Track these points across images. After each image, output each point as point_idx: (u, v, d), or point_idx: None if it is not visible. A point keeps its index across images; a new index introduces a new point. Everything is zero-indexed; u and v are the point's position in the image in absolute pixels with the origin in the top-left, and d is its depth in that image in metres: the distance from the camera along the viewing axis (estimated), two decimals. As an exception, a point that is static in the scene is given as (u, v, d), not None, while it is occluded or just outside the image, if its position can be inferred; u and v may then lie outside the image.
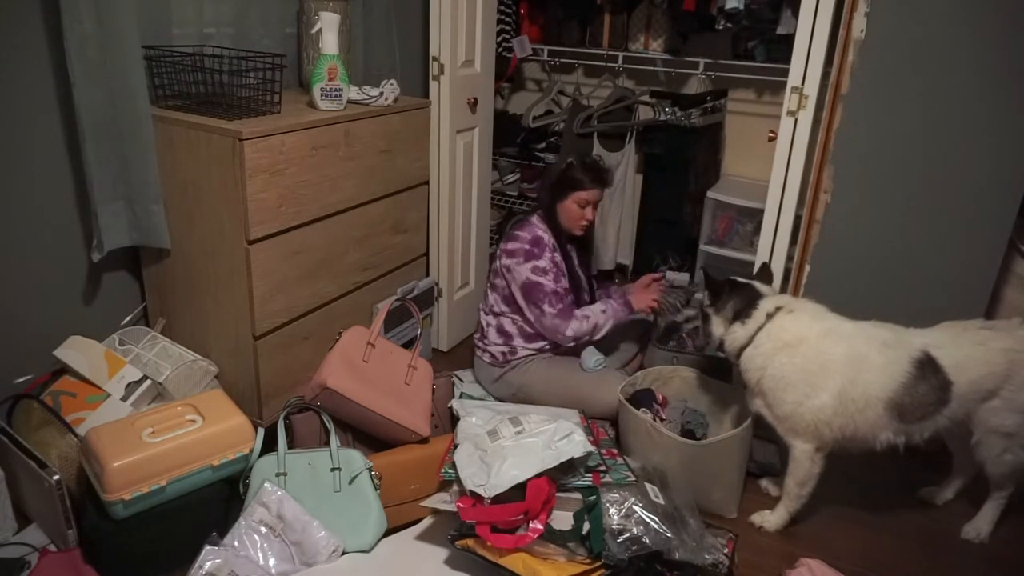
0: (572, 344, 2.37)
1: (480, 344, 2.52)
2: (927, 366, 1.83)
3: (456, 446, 1.91)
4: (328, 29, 2.08)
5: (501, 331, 2.45)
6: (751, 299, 1.99)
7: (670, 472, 1.94)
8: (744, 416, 2.08)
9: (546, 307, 2.29)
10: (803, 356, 1.88)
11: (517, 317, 2.42)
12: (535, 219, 2.41)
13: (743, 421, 2.06)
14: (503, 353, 2.45)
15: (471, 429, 1.96)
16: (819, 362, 1.87)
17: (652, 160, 3.39)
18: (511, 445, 1.84)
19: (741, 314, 1.98)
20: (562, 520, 1.75)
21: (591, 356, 2.42)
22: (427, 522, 1.95)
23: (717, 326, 2.03)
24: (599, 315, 2.34)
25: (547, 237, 2.36)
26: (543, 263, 2.30)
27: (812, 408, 1.87)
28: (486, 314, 2.50)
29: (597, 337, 2.36)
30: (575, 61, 3.60)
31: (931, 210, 2.18)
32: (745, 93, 3.32)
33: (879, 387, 1.84)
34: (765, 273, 2.16)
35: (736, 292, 2.02)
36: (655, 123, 3.28)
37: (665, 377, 2.37)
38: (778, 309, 1.95)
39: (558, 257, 2.37)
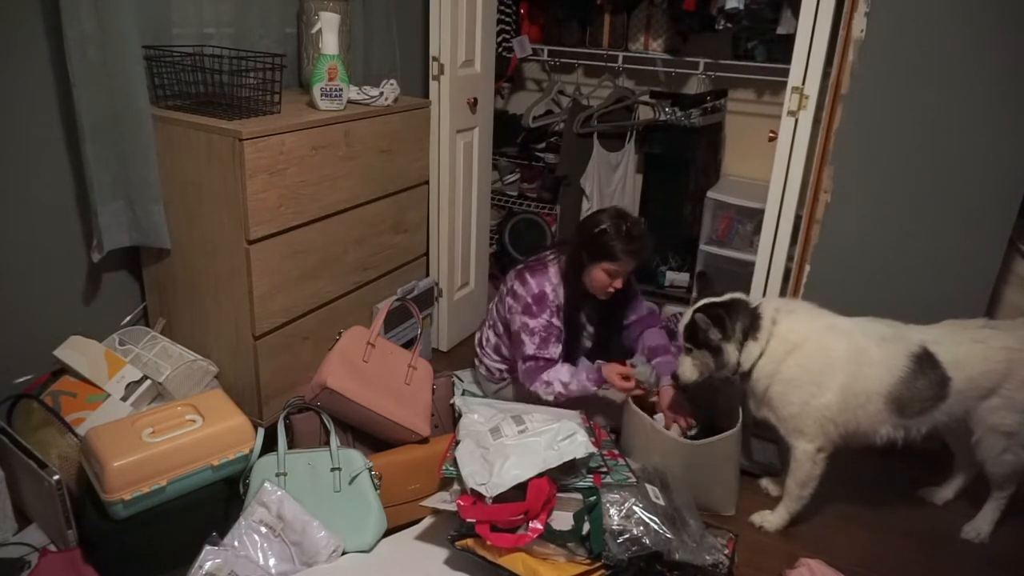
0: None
1: (478, 351, 2.50)
2: (925, 361, 1.84)
3: (458, 443, 1.91)
4: (328, 29, 2.08)
5: (498, 351, 2.42)
6: (753, 313, 1.94)
7: (669, 471, 1.94)
8: (732, 411, 2.09)
9: (519, 363, 2.25)
10: (807, 355, 1.88)
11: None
12: (552, 270, 2.23)
13: (731, 416, 2.06)
14: (499, 370, 2.44)
15: (473, 426, 1.96)
16: (823, 359, 1.87)
17: (652, 160, 3.39)
18: (513, 444, 1.84)
19: (749, 331, 1.92)
20: (562, 520, 1.74)
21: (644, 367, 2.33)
22: (427, 522, 1.95)
23: (732, 352, 1.93)
24: (559, 385, 2.17)
25: (552, 296, 2.19)
26: (533, 324, 2.18)
27: (818, 407, 1.87)
28: (489, 327, 2.45)
29: (562, 399, 2.18)
30: (575, 61, 3.60)
31: (931, 210, 2.18)
32: (745, 93, 3.32)
33: (878, 381, 1.85)
34: (706, 281, 2.13)
35: (734, 312, 1.93)
36: (655, 123, 3.27)
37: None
38: (777, 312, 1.95)
39: (556, 321, 2.21)
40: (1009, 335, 1.87)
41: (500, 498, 1.73)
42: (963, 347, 1.85)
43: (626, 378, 2.15)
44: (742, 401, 2.09)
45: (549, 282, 2.21)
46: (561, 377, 2.19)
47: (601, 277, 2.16)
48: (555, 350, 2.20)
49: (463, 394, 2.29)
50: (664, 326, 2.55)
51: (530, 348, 2.19)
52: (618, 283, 2.18)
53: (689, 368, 2.01)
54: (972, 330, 1.90)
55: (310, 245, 2.12)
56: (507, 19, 3.34)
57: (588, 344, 2.43)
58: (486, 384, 2.50)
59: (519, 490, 1.73)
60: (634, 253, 2.13)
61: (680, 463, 1.98)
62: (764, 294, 2.39)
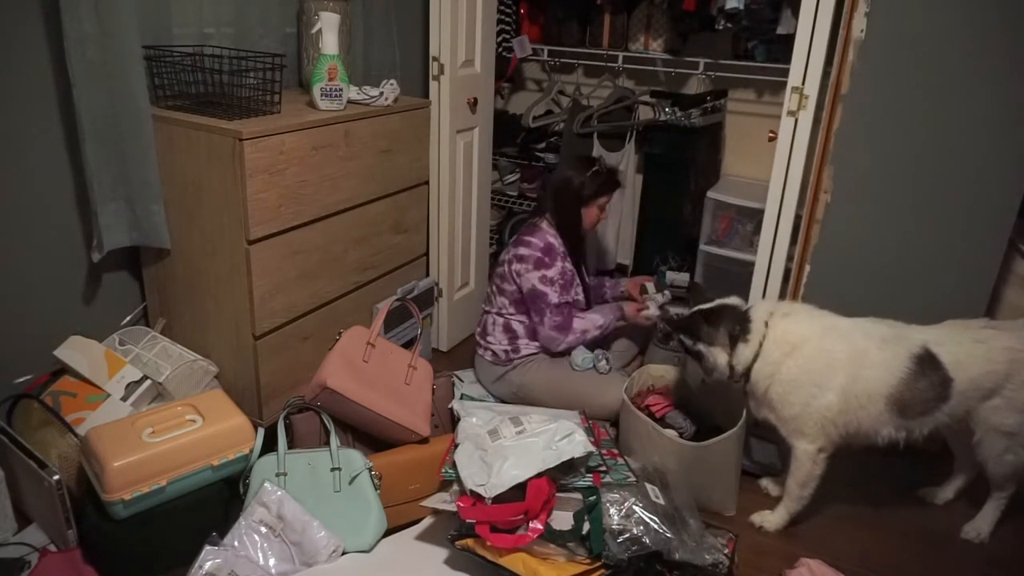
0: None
1: (482, 342, 2.52)
2: (927, 362, 1.84)
3: (457, 446, 1.92)
4: (328, 29, 2.08)
5: (508, 329, 2.45)
6: (740, 317, 1.95)
7: (669, 472, 1.94)
8: (735, 412, 2.08)
9: (547, 318, 2.34)
10: (807, 356, 1.88)
11: (525, 319, 2.44)
12: (544, 225, 2.43)
13: (734, 417, 2.06)
14: (505, 352, 2.45)
15: (472, 429, 1.96)
16: (824, 361, 1.87)
17: (652, 160, 3.39)
18: (512, 445, 1.84)
19: (738, 334, 1.93)
20: (562, 520, 1.75)
21: (579, 354, 2.43)
22: (427, 522, 1.95)
23: (720, 356, 1.94)
24: (592, 326, 2.40)
25: (558, 244, 2.38)
26: (551, 273, 2.32)
27: (819, 408, 1.87)
28: (491, 314, 2.49)
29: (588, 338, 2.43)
30: (575, 61, 3.60)
31: (931, 210, 2.18)
32: (745, 93, 3.32)
33: (880, 382, 1.84)
34: (697, 290, 2.19)
35: (719, 317, 1.96)
36: (655, 123, 3.27)
37: (656, 377, 2.36)
38: (771, 315, 1.95)
39: (568, 265, 2.40)
40: (1011, 335, 1.87)
41: (499, 498, 1.73)
42: (965, 348, 1.85)
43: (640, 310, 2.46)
44: (744, 402, 2.09)
45: (548, 234, 2.39)
46: (595, 322, 2.40)
47: (595, 213, 2.44)
48: (577, 291, 2.41)
49: (461, 398, 2.29)
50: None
51: (554, 297, 2.32)
52: (604, 214, 2.49)
53: (690, 375, 2.16)
54: (974, 330, 1.90)
55: (310, 245, 2.12)
56: (507, 19, 3.34)
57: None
58: (491, 370, 2.50)
59: (519, 490, 1.73)
60: (616, 183, 2.45)
61: (679, 464, 1.98)
62: (764, 294, 2.39)
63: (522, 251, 2.36)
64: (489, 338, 2.49)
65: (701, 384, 2.12)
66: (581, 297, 2.49)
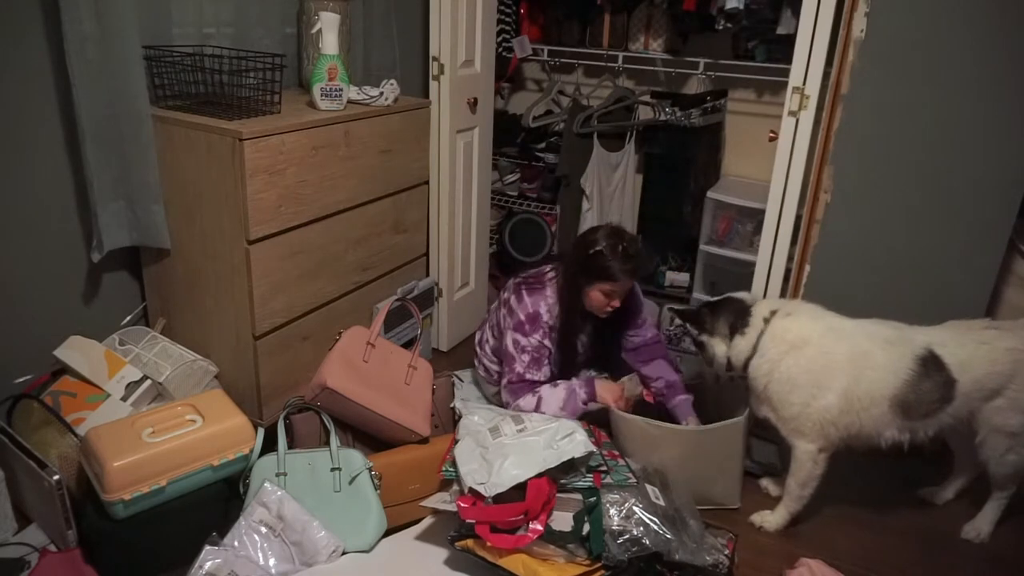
0: None
1: (478, 351, 2.50)
2: (931, 363, 1.84)
3: (457, 442, 1.92)
4: (328, 29, 2.08)
5: (496, 352, 2.40)
6: (741, 310, 1.99)
7: (670, 465, 1.94)
8: (734, 406, 2.09)
9: (506, 376, 2.18)
10: (807, 357, 1.88)
11: None
12: (549, 290, 2.18)
13: (735, 413, 2.06)
14: (497, 372, 2.43)
15: (473, 426, 1.97)
16: (823, 362, 1.87)
17: (652, 160, 3.39)
18: (512, 443, 1.84)
19: (737, 326, 1.97)
20: (562, 521, 1.74)
21: None
22: (427, 522, 1.95)
23: (719, 346, 2.00)
24: (549, 395, 2.10)
25: (547, 317, 2.15)
26: (525, 343, 2.15)
27: (818, 409, 1.87)
28: (489, 329, 2.44)
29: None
30: (575, 61, 3.60)
31: (931, 210, 2.18)
32: (745, 93, 3.32)
33: (883, 384, 1.84)
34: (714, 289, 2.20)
35: (721, 309, 2.02)
36: (655, 123, 3.27)
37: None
38: (773, 312, 1.95)
39: (547, 342, 2.17)
40: (1014, 336, 1.87)
41: (500, 498, 1.73)
42: (968, 349, 1.85)
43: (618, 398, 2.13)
44: (746, 398, 2.09)
45: (545, 302, 2.17)
46: (551, 408, 2.09)
47: (598, 297, 2.12)
48: (544, 372, 2.17)
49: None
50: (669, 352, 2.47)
51: (519, 367, 2.15)
52: (616, 302, 2.14)
53: (706, 365, 2.11)
54: (976, 332, 1.90)
55: (310, 245, 2.12)
56: (507, 19, 3.34)
57: (582, 362, 2.39)
58: (485, 386, 2.50)
59: (519, 490, 1.73)
60: (631, 272, 2.08)
61: (683, 454, 1.98)
62: (764, 294, 2.39)
63: (513, 304, 2.20)
64: (483, 351, 2.46)
65: (717, 377, 2.12)
66: (547, 375, 2.18)
